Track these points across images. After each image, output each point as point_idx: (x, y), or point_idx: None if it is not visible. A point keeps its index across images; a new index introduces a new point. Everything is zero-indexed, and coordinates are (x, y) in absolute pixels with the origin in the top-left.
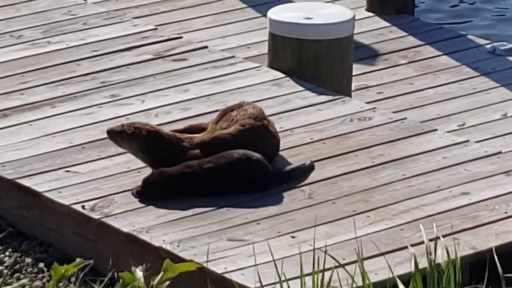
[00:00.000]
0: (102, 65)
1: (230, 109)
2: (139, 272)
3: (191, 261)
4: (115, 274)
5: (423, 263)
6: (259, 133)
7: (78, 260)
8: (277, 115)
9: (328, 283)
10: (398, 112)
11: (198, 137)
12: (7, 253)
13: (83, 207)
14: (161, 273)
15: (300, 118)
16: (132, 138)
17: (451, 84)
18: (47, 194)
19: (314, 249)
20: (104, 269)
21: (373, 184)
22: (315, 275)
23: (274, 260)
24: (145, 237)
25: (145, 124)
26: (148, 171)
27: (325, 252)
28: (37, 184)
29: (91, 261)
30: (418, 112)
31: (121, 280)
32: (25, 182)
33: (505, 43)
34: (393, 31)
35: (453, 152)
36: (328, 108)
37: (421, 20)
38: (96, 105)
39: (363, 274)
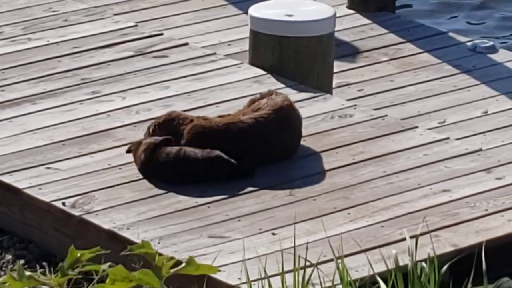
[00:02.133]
0: (83, 62)
1: (257, 98)
2: None
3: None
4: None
5: (404, 261)
6: (260, 128)
7: (96, 248)
8: None
9: (308, 280)
10: (378, 109)
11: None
12: None
13: (63, 204)
14: (183, 264)
15: None
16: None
17: (432, 81)
18: (28, 191)
19: (294, 246)
20: None
21: (354, 181)
22: (296, 272)
23: (255, 257)
24: (126, 234)
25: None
26: (125, 168)
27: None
28: (18, 181)
29: (108, 251)
30: (398, 109)
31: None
32: (6, 179)
33: (485, 40)
34: (374, 29)
35: (434, 149)
36: (309, 105)
37: (402, 17)
38: (77, 101)
39: (342, 272)
